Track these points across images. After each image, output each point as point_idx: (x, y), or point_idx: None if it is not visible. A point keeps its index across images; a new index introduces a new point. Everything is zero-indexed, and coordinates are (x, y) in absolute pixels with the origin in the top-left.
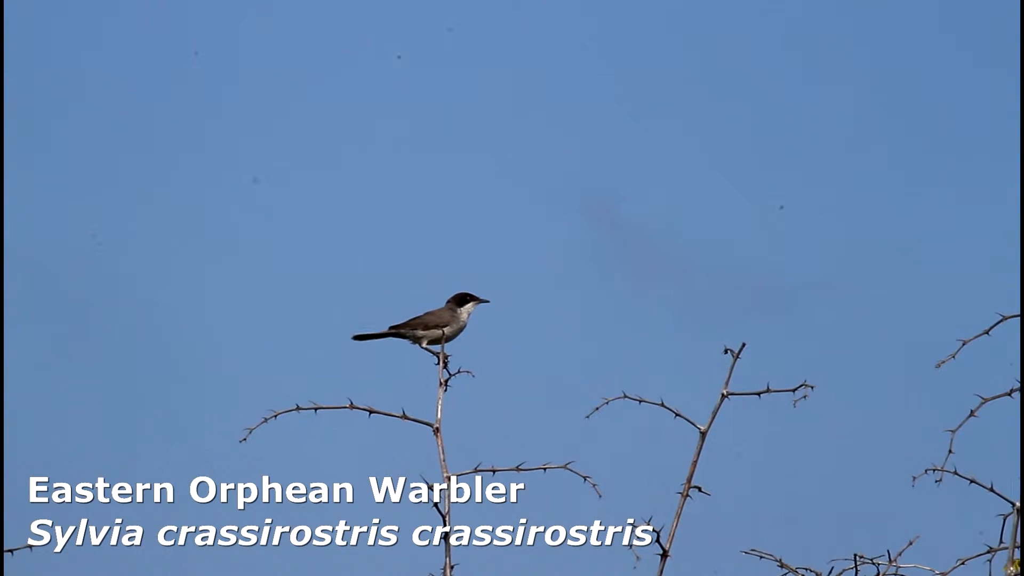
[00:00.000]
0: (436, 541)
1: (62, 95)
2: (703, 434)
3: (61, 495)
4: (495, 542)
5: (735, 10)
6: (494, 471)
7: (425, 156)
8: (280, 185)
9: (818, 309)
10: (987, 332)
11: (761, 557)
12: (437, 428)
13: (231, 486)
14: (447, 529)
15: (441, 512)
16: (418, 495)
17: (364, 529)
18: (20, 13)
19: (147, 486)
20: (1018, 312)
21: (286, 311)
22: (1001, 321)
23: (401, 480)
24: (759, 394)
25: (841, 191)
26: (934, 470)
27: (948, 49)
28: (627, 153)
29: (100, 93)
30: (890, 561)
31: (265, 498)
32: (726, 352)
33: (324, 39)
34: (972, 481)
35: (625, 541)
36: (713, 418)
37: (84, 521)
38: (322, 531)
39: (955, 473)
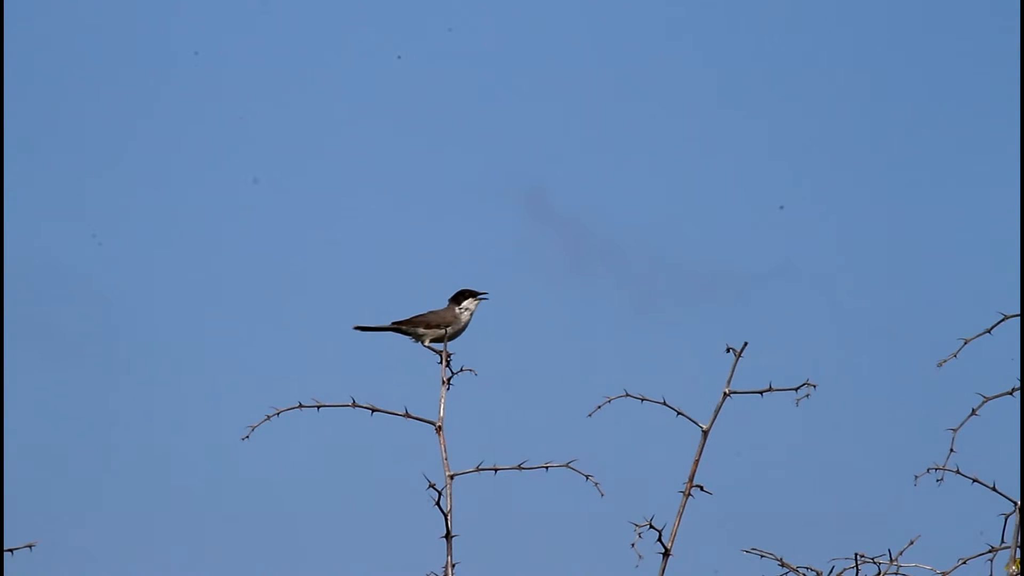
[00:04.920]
0: (437, 540)
1: (61, 93)
2: (705, 433)
3: (62, 495)
4: (497, 541)
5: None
6: (496, 470)
7: (411, 154)
8: (280, 185)
9: (816, 306)
10: (989, 331)
11: (762, 556)
12: (439, 427)
13: (232, 485)
14: (448, 528)
15: (443, 511)
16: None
17: (365, 528)
18: (19, 14)
19: (148, 485)
20: (1019, 311)
21: (288, 310)
22: (1002, 320)
23: (402, 478)
24: (761, 392)
25: (841, 190)
26: (936, 469)
27: (948, 48)
28: (565, 145)
29: (99, 92)
30: (891, 560)
31: (266, 498)
32: (728, 351)
33: (324, 40)
34: (975, 480)
35: (626, 540)
36: (715, 417)
37: (84, 520)
38: (323, 531)
39: (957, 472)
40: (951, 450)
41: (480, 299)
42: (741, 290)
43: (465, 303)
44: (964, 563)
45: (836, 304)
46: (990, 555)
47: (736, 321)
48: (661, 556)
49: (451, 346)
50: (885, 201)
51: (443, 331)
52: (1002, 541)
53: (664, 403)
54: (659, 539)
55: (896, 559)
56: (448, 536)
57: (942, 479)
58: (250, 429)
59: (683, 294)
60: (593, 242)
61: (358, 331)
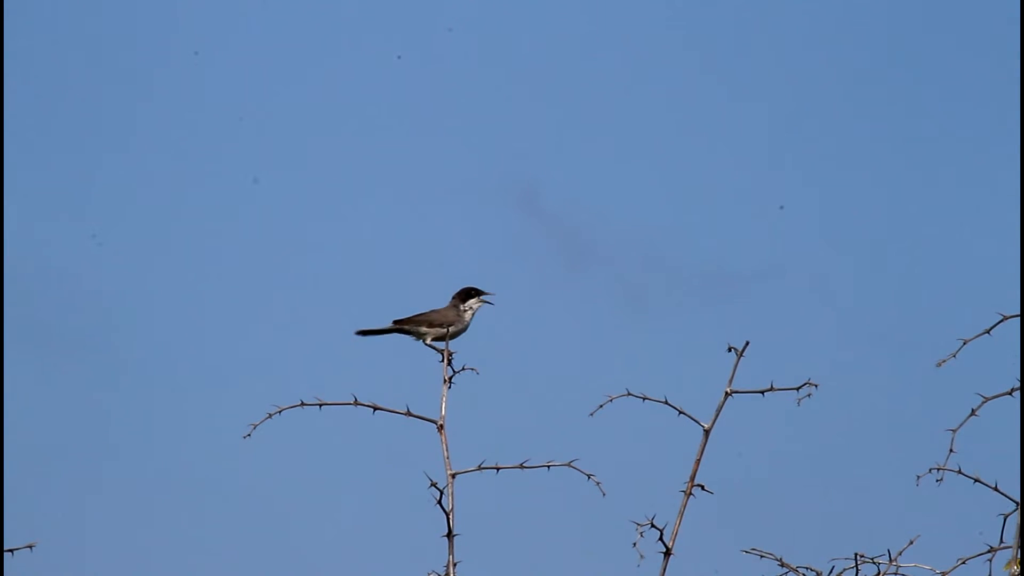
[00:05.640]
0: (438, 539)
1: (61, 93)
2: (707, 432)
3: (62, 495)
4: (498, 540)
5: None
6: (497, 469)
7: (409, 153)
8: (280, 185)
9: (814, 305)
10: (988, 332)
11: (762, 556)
12: (441, 425)
13: (233, 484)
14: (450, 527)
15: (444, 510)
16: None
17: (366, 527)
18: (19, 14)
19: (148, 484)
20: (1019, 312)
21: (288, 310)
22: (1002, 321)
23: (404, 477)
24: (763, 392)
25: (841, 190)
26: (937, 469)
27: (948, 48)
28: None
29: (99, 91)
30: (891, 560)
31: (267, 496)
32: (730, 350)
33: (324, 40)
34: (976, 480)
35: (628, 539)
36: (717, 416)
37: (84, 520)
38: (324, 530)
39: (959, 472)
40: (951, 450)
41: (484, 300)
42: (741, 290)
43: (470, 302)
44: (963, 563)
45: (836, 304)
46: (989, 555)
47: (736, 321)
48: (662, 555)
49: (452, 344)
50: (884, 201)
51: (445, 330)
52: (1001, 541)
53: (666, 402)
54: (660, 538)
55: (895, 559)
56: (450, 535)
57: (942, 479)
58: (252, 427)
59: (682, 294)
60: (590, 242)
61: (360, 335)
